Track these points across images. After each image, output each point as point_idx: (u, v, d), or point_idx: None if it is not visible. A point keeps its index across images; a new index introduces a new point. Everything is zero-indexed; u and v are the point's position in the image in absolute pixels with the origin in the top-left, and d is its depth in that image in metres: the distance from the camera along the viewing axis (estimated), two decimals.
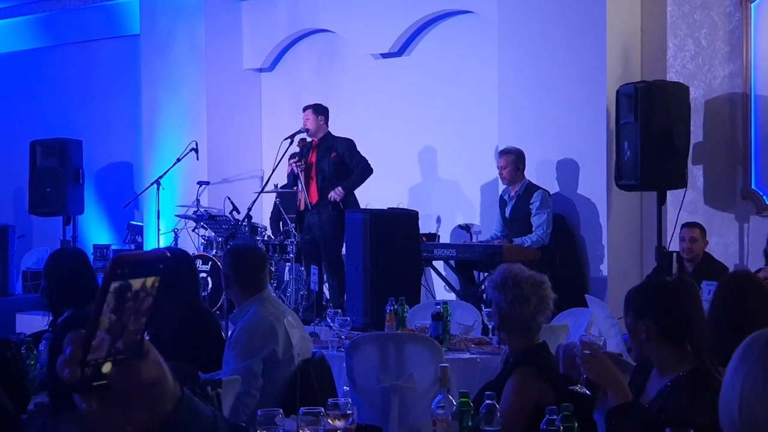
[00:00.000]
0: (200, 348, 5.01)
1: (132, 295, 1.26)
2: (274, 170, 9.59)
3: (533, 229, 8.99)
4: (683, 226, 8.37)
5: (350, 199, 9.63)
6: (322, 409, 3.51)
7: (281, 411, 3.58)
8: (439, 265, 9.79)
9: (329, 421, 3.49)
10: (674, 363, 3.58)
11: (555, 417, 3.29)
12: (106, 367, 1.25)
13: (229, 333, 5.23)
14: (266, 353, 4.94)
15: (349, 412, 3.52)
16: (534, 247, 8.91)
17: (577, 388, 3.81)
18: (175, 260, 5.38)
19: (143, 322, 1.29)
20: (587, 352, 3.64)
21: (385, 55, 11.23)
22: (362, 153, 9.72)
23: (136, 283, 1.26)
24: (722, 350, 3.78)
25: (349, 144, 9.71)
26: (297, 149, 9.81)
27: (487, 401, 3.43)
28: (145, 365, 1.29)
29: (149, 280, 1.27)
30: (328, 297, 9.85)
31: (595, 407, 3.93)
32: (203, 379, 4.20)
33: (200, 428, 1.37)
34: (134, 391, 1.28)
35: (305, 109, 9.86)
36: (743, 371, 2.10)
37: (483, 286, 8.19)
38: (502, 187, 9.39)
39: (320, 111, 9.80)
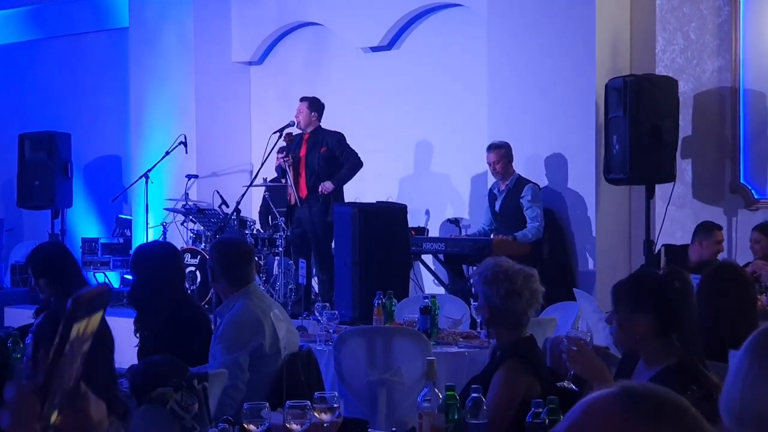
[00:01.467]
0: (187, 341, 5.00)
1: (76, 339, 1.24)
2: (263, 164, 9.58)
3: (528, 222, 8.98)
4: (714, 228, 8.22)
5: (337, 193, 9.63)
6: (309, 403, 3.50)
7: (267, 404, 3.58)
8: (428, 259, 9.79)
9: (316, 414, 3.49)
10: (662, 356, 3.58)
11: (541, 410, 3.29)
12: (53, 417, 1.25)
13: (216, 326, 5.23)
14: (253, 347, 4.93)
15: (335, 405, 3.51)
16: (532, 240, 8.91)
17: (564, 383, 3.81)
18: (160, 254, 5.38)
19: (81, 366, 1.27)
20: (573, 347, 3.64)
21: (374, 49, 11.21)
22: (352, 147, 9.72)
23: (81, 326, 1.24)
24: (705, 341, 3.78)
25: (339, 138, 9.71)
26: (284, 143, 9.80)
27: (474, 394, 3.43)
28: (89, 406, 1.29)
29: (86, 323, 1.25)
30: (318, 291, 9.85)
31: None
32: (190, 373, 4.19)
33: None
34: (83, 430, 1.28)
35: (302, 100, 9.85)
36: (757, 366, 2.09)
37: (472, 280, 8.18)
38: (491, 180, 9.39)
39: (315, 107, 9.78)
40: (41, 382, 1.22)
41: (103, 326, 3.41)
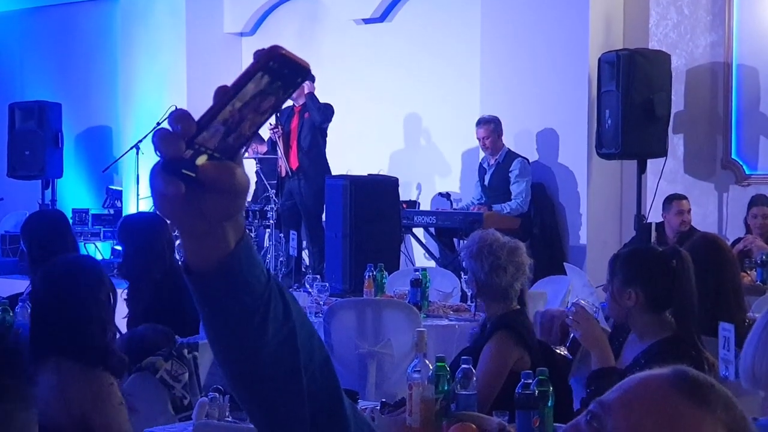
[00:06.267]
0: (177, 312, 4.99)
1: (265, 90, 1.16)
2: (254, 136, 9.52)
3: (512, 197, 9.00)
4: (674, 198, 8.31)
5: (327, 167, 9.60)
6: None
7: None
8: (419, 232, 9.79)
9: None
10: (654, 330, 3.60)
11: (530, 381, 3.30)
12: (201, 160, 1.15)
13: None
14: None
15: None
16: (513, 214, 8.93)
17: (560, 350, 3.82)
18: (146, 225, 5.38)
19: (261, 121, 1.18)
20: (580, 313, 3.66)
21: (366, 21, 11.16)
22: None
23: (267, 81, 1.16)
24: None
25: (325, 107, 9.68)
26: (274, 115, 9.77)
27: (463, 366, 3.44)
28: (239, 170, 1.19)
29: (279, 85, 1.17)
30: (308, 263, 9.84)
31: (572, 373, 3.95)
32: (180, 342, 4.20)
33: (254, 276, 1.26)
34: (222, 194, 1.18)
35: None
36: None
37: (461, 254, 8.20)
38: (482, 154, 9.38)
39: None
40: (208, 114, 1.14)
41: (109, 284, 3.40)
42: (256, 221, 10.01)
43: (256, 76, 1.15)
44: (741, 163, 9.04)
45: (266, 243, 10.14)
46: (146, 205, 11.24)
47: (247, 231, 1.27)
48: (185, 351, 4.03)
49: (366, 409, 3.64)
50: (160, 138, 1.15)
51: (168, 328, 4.32)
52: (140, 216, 7.56)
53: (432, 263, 9.39)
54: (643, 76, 8.38)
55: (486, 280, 4.09)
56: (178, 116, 1.16)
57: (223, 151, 1.16)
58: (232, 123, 1.15)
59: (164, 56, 11.91)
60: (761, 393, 2.80)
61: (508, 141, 9.21)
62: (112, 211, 12.20)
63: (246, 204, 1.17)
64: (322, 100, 9.76)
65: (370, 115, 10.67)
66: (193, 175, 1.15)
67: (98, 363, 3.25)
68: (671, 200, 8.29)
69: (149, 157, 11.38)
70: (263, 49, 1.16)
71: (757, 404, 3.08)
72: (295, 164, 9.64)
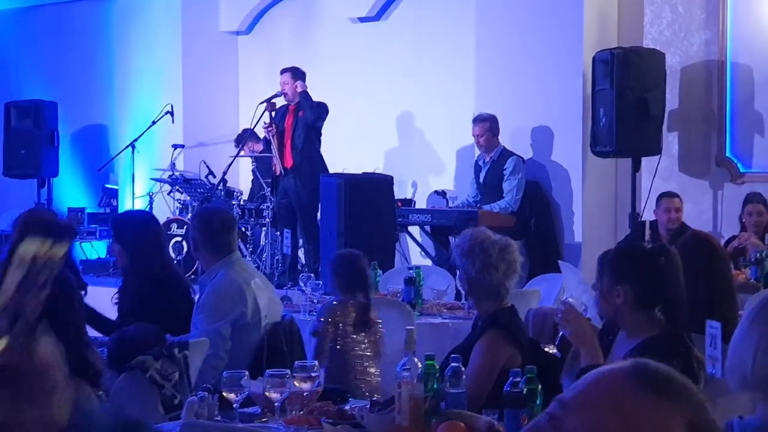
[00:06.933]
0: (168, 311, 4.98)
1: (38, 264, 1.14)
2: (250, 134, 9.55)
3: (503, 194, 9.01)
4: (664, 196, 8.33)
5: (323, 165, 9.61)
6: (288, 372, 3.52)
7: (247, 373, 3.59)
8: (414, 230, 9.80)
9: (296, 383, 3.50)
10: (643, 328, 3.60)
11: (519, 380, 3.30)
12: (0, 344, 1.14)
13: (198, 296, 5.21)
14: (235, 316, 4.92)
15: (314, 374, 3.52)
16: (503, 212, 8.92)
17: (549, 348, 3.82)
18: (139, 222, 5.37)
19: (43, 297, 1.16)
20: (568, 311, 3.67)
21: (362, 19, 11.16)
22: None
23: (41, 249, 1.13)
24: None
25: (319, 106, 9.68)
26: (269, 114, 9.77)
27: (453, 364, 3.44)
28: (40, 346, 1.16)
29: (54, 249, 1.15)
30: (303, 261, 9.85)
31: (563, 371, 3.95)
32: (171, 342, 4.20)
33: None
34: (28, 375, 1.14)
35: (283, 72, 9.81)
36: (757, 332, 2.20)
37: (453, 251, 8.20)
38: (478, 152, 9.40)
39: (298, 75, 9.76)
40: None
41: (69, 285, 3.33)
42: (252, 219, 10.02)
43: (19, 252, 1.13)
44: (735, 160, 9.04)
45: (262, 241, 10.14)
46: (141, 203, 11.24)
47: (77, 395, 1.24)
48: (176, 350, 4.03)
49: (356, 407, 3.65)
50: None
51: (158, 327, 4.32)
52: (131, 214, 7.56)
53: (428, 261, 9.39)
54: (638, 74, 8.39)
55: (477, 278, 4.09)
56: None
57: (19, 331, 1.14)
58: (14, 306, 1.13)
59: (160, 55, 11.91)
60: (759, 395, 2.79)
61: (503, 139, 9.22)
62: (108, 210, 12.20)
63: (63, 372, 1.11)
64: (317, 98, 9.76)
65: (366, 113, 10.67)
66: None
67: (75, 372, 3.17)
68: (661, 198, 8.30)
69: (145, 156, 11.39)
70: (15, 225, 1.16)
71: (743, 403, 3.08)
72: (289, 163, 9.64)
